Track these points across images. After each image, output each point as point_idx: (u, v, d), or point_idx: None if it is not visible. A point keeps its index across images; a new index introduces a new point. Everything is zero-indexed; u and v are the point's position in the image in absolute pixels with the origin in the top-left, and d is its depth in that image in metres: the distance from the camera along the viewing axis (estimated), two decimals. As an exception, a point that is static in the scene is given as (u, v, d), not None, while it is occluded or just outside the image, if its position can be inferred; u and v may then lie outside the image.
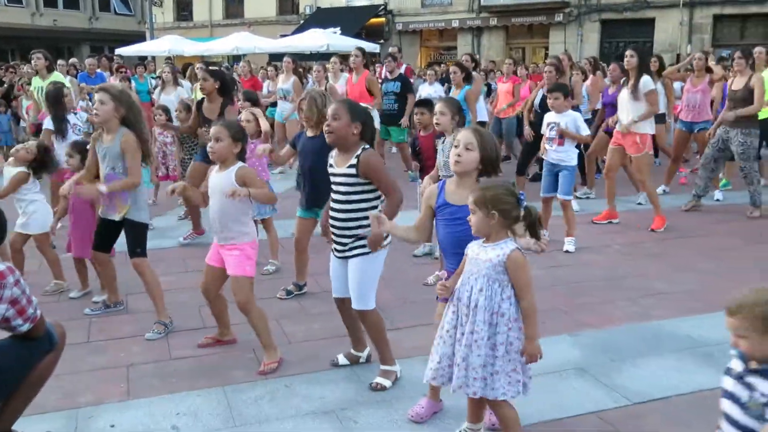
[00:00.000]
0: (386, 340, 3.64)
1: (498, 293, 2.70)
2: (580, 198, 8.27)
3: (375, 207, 3.44)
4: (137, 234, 4.36)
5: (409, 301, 4.86)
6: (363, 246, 3.43)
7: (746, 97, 7.30)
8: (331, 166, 3.53)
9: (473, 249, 2.79)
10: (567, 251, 6.14)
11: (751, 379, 2.06)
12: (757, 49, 8.46)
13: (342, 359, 3.87)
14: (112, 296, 4.78)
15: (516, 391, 2.75)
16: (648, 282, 5.31)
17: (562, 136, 6.19)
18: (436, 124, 4.93)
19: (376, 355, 3.72)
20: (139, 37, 28.87)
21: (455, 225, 2.97)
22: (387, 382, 3.58)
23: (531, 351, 2.71)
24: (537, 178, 8.23)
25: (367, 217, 3.25)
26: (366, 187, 3.43)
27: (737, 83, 7.46)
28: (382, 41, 23.48)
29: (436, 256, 5.70)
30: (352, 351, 3.88)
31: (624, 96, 6.92)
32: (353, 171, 3.40)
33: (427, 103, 5.77)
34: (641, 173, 7.10)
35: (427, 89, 10.15)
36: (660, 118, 9.02)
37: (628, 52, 6.94)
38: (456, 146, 3.00)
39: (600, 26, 22.22)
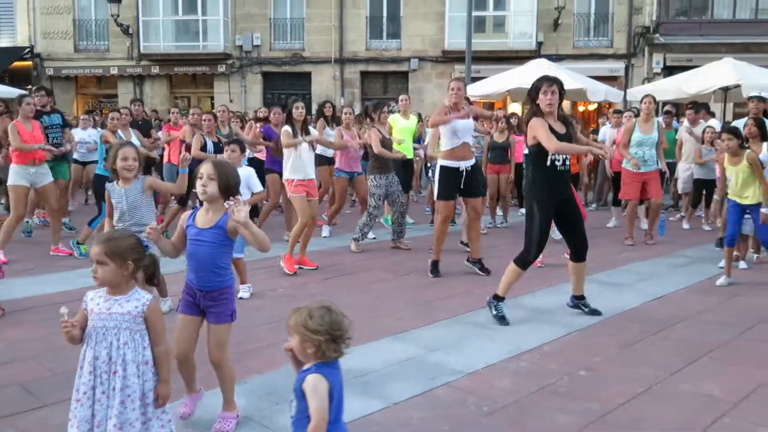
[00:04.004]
0: None
1: (140, 343, 2.77)
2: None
3: None
4: None
5: (58, 372, 4.37)
6: None
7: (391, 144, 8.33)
8: None
9: (96, 303, 2.76)
10: (241, 298, 6.09)
11: None
12: (401, 96, 10.14)
13: None
14: None
15: (169, 430, 2.87)
16: (310, 321, 5.53)
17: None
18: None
19: None
20: None
21: (196, 244, 3.33)
22: None
23: (165, 393, 2.83)
24: None
25: None
26: None
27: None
28: (30, 87, 21.34)
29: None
30: None
31: (304, 147, 7.23)
32: None
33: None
34: (300, 215, 7.21)
35: (80, 134, 9.94)
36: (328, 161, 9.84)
37: (298, 104, 7.30)
38: (200, 178, 3.32)
39: (262, 78, 23.14)
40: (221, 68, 22.73)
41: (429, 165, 9.48)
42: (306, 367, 2.45)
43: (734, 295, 6.40)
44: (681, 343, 5.01)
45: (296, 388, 2.45)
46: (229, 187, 3.36)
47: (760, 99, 8.92)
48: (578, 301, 5.75)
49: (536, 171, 5.38)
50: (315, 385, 2.37)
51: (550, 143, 5.11)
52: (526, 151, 5.91)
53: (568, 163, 5.38)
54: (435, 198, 7.18)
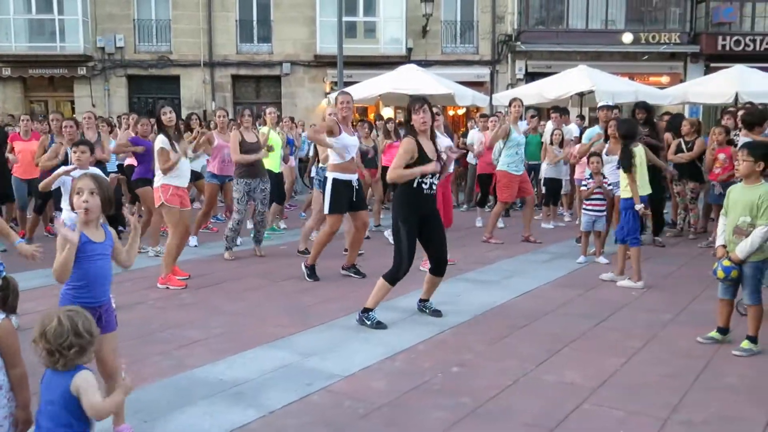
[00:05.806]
0: None
1: None
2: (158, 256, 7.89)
3: None
4: None
5: None
6: None
7: (258, 148, 8.20)
8: None
9: None
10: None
11: None
12: (269, 110, 9.90)
13: None
14: None
15: None
16: (182, 332, 5.36)
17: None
18: None
19: None
20: None
21: (102, 259, 3.28)
22: None
23: (25, 418, 2.69)
24: None
25: None
26: None
27: (252, 137, 8.26)
28: None
29: None
30: None
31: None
32: None
33: None
34: (173, 228, 6.85)
35: None
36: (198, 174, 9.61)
37: (166, 108, 6.94)
38: (79, 194, 3.19)
39: (127, 81, 22.15)
40: (81, 71, 21.55)
41: (313, 174, 9.17)
42: None
43: (591, 288, 6.83)
44: (545, 336, 5.28)
45: None
46: (108, 199, 3.31)
47: (609, 108, 9.57)
48: (422, 304, 5.90)
49: (403, 189, 5.40)
50: None
51: (392, 172, 5.28)
52: None
53: (434, 188, 5.47)
54: (325, 212, 7.03)
